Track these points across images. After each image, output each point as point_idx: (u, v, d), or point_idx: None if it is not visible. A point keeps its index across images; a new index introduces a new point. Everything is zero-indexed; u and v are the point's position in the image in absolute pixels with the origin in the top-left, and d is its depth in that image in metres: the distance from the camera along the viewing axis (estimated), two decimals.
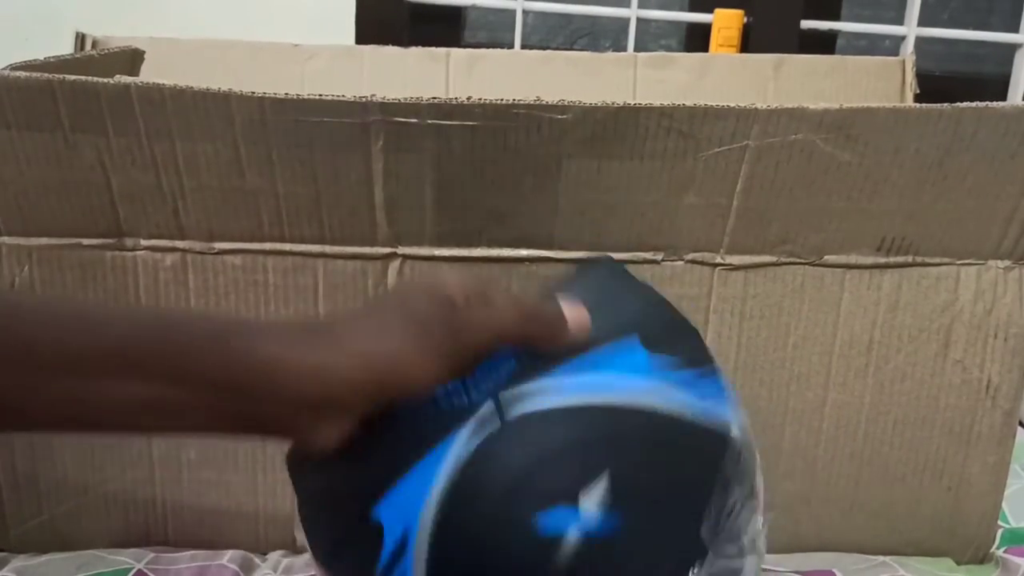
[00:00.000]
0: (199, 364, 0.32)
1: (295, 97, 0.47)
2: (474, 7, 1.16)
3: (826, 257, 0.55)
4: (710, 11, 1.13)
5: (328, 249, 0.53)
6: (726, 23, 1.11)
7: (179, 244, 0.53)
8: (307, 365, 0.32)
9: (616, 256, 0.54)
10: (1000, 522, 0.61)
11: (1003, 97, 1.19)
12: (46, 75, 0.47)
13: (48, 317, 0.31)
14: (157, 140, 0.49)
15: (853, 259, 0.55)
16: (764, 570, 0.58)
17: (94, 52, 0.77)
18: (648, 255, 0.54)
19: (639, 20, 1.14)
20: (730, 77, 0.87)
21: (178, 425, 0.33)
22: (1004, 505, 0.61)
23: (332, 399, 0.33)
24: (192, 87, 0.47)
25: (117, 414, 0.31)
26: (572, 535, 0.34)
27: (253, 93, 0.47)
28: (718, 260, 0.54)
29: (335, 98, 0.47)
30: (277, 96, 0.47)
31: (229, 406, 0.32)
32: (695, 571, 0.36)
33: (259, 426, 0.34)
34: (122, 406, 0.31)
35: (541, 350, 0.37)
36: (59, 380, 0.30)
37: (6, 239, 0.52)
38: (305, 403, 0.33)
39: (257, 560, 0.58)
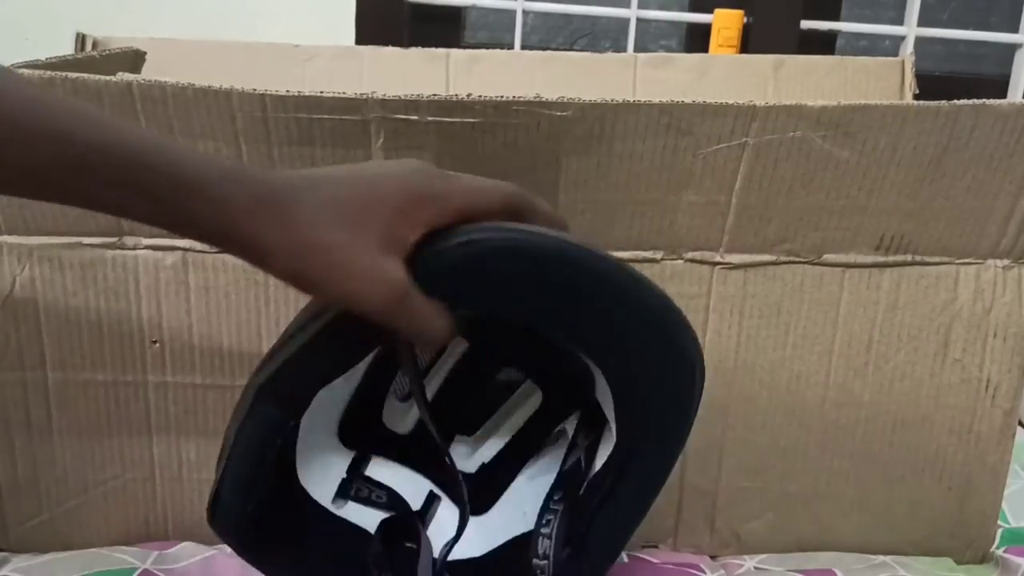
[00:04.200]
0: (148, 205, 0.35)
1: (296, 94, 0.47)
2: (474, 7, 1.16)
3: (825, 256, 0.55)
4: (710, 11, 1.13)
5: None
6: (726, 23, 1.12)
7: (180, 243, 0.53)
8: (246, 241, 0.35)
9: (615, 255, 0.54)
10: (1000, 522, 0.61)
11: (1003, 97, 1.19)
12: (48, 73, 0.47)
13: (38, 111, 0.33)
14: None
15: (852, 258, 0.55)
16: (764, 570, 0.58)
17: (95, 53, 0.77)
18: (647, 254, 0.54)
19: (639, 20, 1.14)
20: (730, 77, 0.87)
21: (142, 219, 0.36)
22: (1004, 505, 0.61)
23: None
24: (193, 84, 0.48)
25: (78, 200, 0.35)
26: None
27: (255, 90, 0.47)
28: (717, 259, 0.54)
29: (336, 95, 0.48)
30: (278, 93, 0.47)
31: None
32: None
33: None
34: (83, 199, 0.35)
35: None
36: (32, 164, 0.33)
37: (6, 238, 0.52)
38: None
39: None
